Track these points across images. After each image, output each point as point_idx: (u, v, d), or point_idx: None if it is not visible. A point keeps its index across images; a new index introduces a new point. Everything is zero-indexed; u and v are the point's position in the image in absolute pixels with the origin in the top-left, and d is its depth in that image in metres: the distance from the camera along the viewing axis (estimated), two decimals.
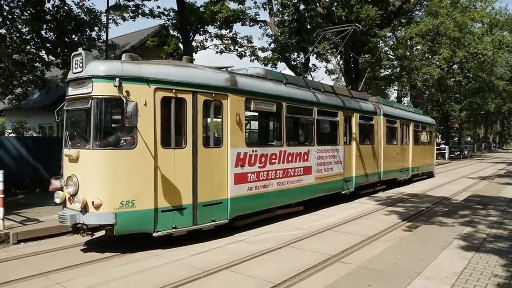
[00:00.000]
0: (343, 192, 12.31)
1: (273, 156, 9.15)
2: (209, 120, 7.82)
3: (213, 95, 7.70)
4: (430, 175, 21.35)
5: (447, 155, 41.98)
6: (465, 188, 16.38)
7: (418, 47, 33.81)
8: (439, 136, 31.35)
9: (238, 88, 8.27)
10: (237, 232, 8.20)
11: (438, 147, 46.08)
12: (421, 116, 21.05)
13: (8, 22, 13.44)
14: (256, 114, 10.50)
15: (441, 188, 16.51)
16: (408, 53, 32.50)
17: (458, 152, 45.92)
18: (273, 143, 9.96)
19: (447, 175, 23.13)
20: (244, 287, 5.25)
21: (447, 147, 44.10)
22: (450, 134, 56.81)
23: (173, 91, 7.07)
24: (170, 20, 22.61)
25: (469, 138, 73.81)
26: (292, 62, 26.23)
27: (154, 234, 6.85)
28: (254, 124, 11.85)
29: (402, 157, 17.00)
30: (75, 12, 14.74)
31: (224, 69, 8.52)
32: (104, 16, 15.70)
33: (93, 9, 15.38)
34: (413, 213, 10.55)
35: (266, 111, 9.46)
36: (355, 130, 12.98)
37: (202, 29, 23.83)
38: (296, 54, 26.14)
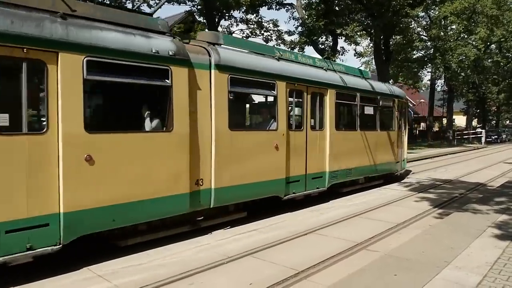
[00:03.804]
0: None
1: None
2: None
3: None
4: (398, 177, 13.92)
5: (483, 139, 40.33)
6: (502, 173, 15.66)
7: (453, 26, 32.35)
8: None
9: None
10: (254, 220, 8.09)
11: (474, 131, 44.41)
12: (366, 82, 11.84)
13: None
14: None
15: (476, 173, 15.86)
16: (442, 34, 31.09)
17: (496, 136, 44.06)
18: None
19: (483, 160, 22.18)
20: (266, 273, 5.20)
21: (483, 131, 42.28)
22: (487, 118, 54.45)
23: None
24: (196, 6, 22.56)
25: (507, 122, 70.59)
26: (320, 46, 25.65)
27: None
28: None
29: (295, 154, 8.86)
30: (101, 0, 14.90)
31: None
32: (129, 3, 15.88)
33: None
34: (445, 200, 10.17)
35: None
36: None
37: (227, 14, 23.65)
38: (324, 37, 25.56)
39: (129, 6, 17.17)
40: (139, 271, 5.24)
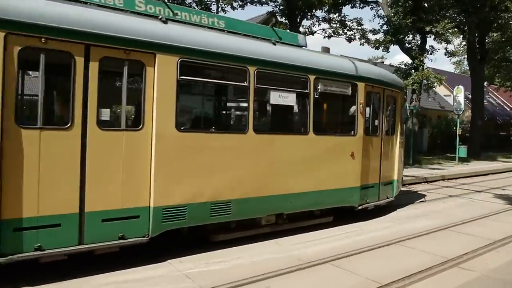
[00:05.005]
0: None
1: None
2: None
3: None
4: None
5: None
6: None
7: None
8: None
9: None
10: (329, 226, 7.77)
11: None
12: (279, 48, 7.01)
13: None
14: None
15: None
16: None
17: None
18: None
19: None
20: (348, 284, 4.98)
21: None
22: None
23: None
24: (278, 7, 22.71)
25: None
26: (407, 45, 24.30)
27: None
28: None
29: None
30: (187, 3, 15.78)
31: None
32: (214, 5, 16.43)
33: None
34: None
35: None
36: None
37: (309, 14, 23.44)
38: (411, 35, 24.13)
39: (214, 8, 17.75)
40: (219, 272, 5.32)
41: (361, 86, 7.82)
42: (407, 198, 10.82)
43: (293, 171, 6.82)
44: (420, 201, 10.70)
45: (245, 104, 6.24)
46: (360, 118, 7.83)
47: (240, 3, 21.18)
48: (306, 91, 6.94)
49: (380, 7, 25.30)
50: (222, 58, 5.89)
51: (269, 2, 22.43)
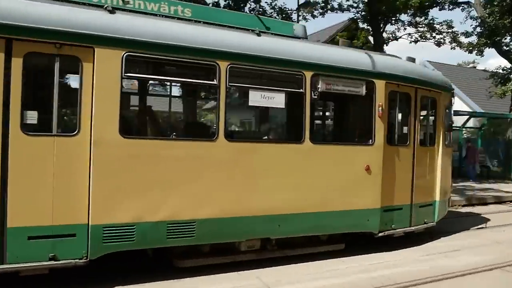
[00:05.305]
0: None
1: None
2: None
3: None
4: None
5: None
6: None
7: None
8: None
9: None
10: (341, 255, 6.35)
11: None
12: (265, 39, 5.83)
13: None
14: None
15: None
16: None
17: None
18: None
19: None
20: None
21: None
22: None
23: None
24: (359, 12, 21.59)
25: None
26: (504, 48, 21.50)
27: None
28: None
29: None
30: (268, 13, 15.97)
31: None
32: (295, 13, 16.82)
33: (284, 8, 16.64)
34: None
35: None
36: None
37: (393, 18, 21.92)
38: (509, 37, 21.31)
39: (294, 16, 17.75)
40: None
41: (380, 84, 6.34)
42: (460, 223, 8.83)
43: (282, 188, 5.60)
44: (479, 228, 8.60)
45: (214, 106, 5.25)
46: (379, 124, 6.33)
47: (321, 11, 20.50)
48: (301, 90, 5.71)
49: (473, 8, 22.74)
50: (182, 51, 4.97)
51: (351, 9, 21.37)
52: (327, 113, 6.95)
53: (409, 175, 6.90)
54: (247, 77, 5.50)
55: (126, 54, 4.69)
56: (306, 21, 19.03)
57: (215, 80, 5.16)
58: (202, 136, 5.54)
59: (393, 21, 22.00)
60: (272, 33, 5.96)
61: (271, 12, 15.98)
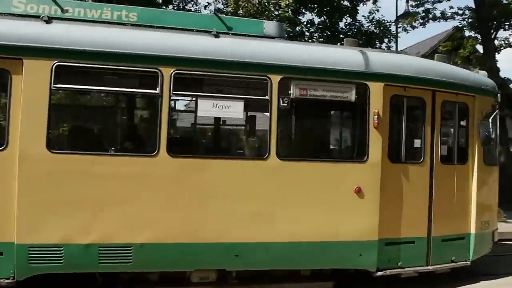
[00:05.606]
0: None
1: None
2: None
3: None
4: None
5: None
6: None
7: None
8: None
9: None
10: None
11: None
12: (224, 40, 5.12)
13: None
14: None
15: None
16: None
17: None
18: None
19: None
20: None
21: None
22: None
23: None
24: (466, 20, 19.64)
25: None
26: None
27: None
28: None
29: None
30: (365, 27, 15.84)
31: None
32: (394, 25, 16.44)
33: (383, 21, 16.22)
34: None
35: None
36: None
37: (507, 23, 19.52)
38: None
39: (393, 28, 17.17)
40: None
41: (375, 87, 5.14)
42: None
43: (240, 212, 4.77)
44: None
45: (155, 118, 4.71)
46: (374, 136, 5.12)
47: (421, 21, 19.16)
48: (265, 97, 4.87)
49: None
50: (119, 59, 4.56)
51: (455, 16, 19.57)
52: (303, 124, 5.87)
53: (425, 200, 5.49)
54: (199, 84, 4.87)
55: (56, 64, 4.43)
56: (407, 33, 18.52)
57: (157, 88, 4.63)
58: (140, 151, 5.03)
59: (506, 27, 19.51)
60: (235, 34, 5.23)
61: (369, 26, 15.69)
